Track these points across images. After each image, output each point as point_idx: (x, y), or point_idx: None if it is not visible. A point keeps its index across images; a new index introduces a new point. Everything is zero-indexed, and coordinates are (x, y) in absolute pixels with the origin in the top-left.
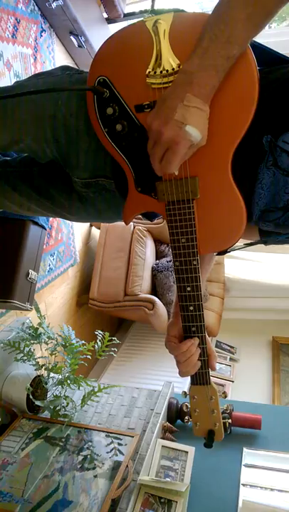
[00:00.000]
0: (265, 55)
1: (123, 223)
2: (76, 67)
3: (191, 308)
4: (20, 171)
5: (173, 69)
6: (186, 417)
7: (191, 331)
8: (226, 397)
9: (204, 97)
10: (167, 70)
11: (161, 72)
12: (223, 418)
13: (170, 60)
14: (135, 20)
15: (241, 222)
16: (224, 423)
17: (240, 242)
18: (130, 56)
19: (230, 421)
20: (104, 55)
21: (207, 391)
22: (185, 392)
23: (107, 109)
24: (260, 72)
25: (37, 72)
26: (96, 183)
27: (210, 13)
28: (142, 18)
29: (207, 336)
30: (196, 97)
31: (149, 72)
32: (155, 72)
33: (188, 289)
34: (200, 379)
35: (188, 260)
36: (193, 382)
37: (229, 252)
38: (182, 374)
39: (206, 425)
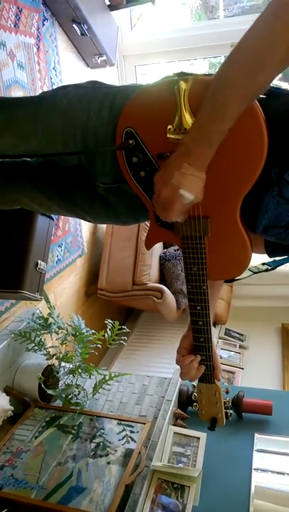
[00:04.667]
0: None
1: None
2: (104, 82)
3: (200, 323)
4: (42, 171)
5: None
6: (195, 404)
7: (200, 340)
8: (228, 392)
9: (199, 166)
10: (186, 129)
11: (180, 129)
12: (226, 408)
13: (188, 120)
14: (163, 79)
15: (246, 259)
16: (226, 413)
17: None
18: (154, 111)
19: (231, 411)
20: (132, 108)
21: (212, 388)
22: (193, 385)
23: (132, 158)
24: (265, 102)
25: (40, 61)
26: (118, 187)
27: None
28: (166, 78)
29: (214, 347)
30: (191, 165)
31: (170, 128)
32: (175, 130)
33: (198, 307)
34: (205, 379)
35: (199, 285)
36: (200, 381)
37: (236, 280)
38: (183, 379)
39: (210, 413)
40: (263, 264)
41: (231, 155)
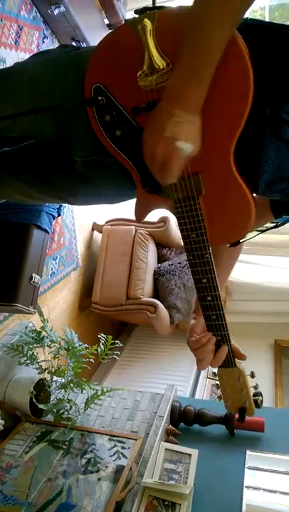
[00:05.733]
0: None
1: (125, 227)
2: (73, 44)
3: (209, 298)
4: (20, 159)
5: (162, 69)
6: (219, 396)
7: (212, 319)
8: (253, 376)
9: (192, 110)
10: (157, 71)
11: (151, 73)
12: (255, 395)
13: (159, 60)
14: (124, 21)
15: (250, 213)
16: (255, 400)
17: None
18: (121, 60)
19: (261, 398)
20: (97, 61)
21: (234, 372)
22: (214, 373)
23: (105, 116)
24: (247, 41)
25: None
26: (97, 160)
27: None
28: (127, 20)
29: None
30: (183, 110)
31: (140, 74)
32: (146, 75)
33: (204, 280)
34: (225, 362)
35: (201, 254)
36: (219, 366)
37: (241, 242)
38: (200, 368)
39: (237, 403)
40: (271, 221)
41: (215, 96)
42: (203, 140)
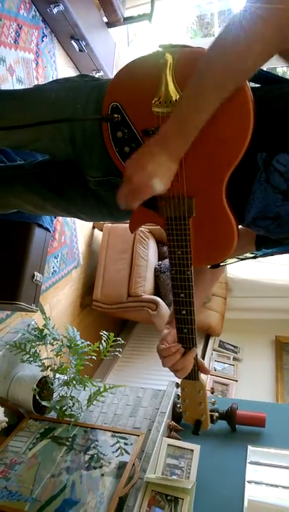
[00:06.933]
0: (258, 75)
1: (126, 225)
2: (92, 75)
3: (184, 312)
4: (36, 172)
5: (176, 100)
6: (178, 405)
7: (183, 332)
8: (213, 392)
9: (173, 158)
10: (170, 101)
11: (165, 102)
12: (212, 411)
13: (173, 92)
14: (149, 52)
15: (232, 241)
16: (211, 416)
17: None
18: (140, 85)
19: (217, 414)
20: (119, 82)
21: (196, 385)
22: (177, 383)
23: (117, 132)
24: (256, 89)
25: (39, 76)
26: (108, 181)
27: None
28: (153, 51)
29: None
30: (166, 156)
31: (155, 101)
32: (160, 103)
33: (182, 295)
34: (189, 374)
35: (183, 270)
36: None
37: (221, 265)
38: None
39: (194, 415)
40: (251, 252)
41: (217, 133)
42: (200, 169)
